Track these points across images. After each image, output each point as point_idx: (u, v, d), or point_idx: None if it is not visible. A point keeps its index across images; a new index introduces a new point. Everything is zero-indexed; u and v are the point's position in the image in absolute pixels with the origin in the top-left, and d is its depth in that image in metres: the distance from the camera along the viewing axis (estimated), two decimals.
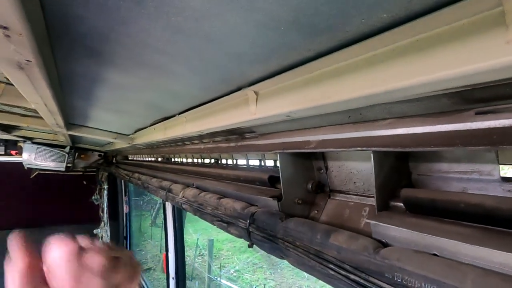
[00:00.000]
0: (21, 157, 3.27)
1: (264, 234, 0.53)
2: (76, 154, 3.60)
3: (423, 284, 0.28)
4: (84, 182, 3.63)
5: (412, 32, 0.29)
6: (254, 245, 0.57)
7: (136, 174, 1.73)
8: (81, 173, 3.63)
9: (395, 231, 0.35)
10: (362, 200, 0.53)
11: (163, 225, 1.98)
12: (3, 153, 3.38)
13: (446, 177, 0.40)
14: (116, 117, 1.29)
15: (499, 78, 0.24)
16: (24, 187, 3.47)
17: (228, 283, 7.01)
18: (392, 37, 0.31)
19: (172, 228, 1.83)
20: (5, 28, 0.30)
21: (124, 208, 3.38)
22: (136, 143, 1.65)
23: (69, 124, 1.39)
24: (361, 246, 0.36)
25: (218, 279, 7.15)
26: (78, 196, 3.62)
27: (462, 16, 0.25)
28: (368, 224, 0.40)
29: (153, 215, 10.87)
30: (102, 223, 3.31)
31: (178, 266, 1.81)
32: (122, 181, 3.58)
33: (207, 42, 0.44)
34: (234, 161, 0.91)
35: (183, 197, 0.91)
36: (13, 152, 3.37)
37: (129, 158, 2.74)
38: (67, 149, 3.41)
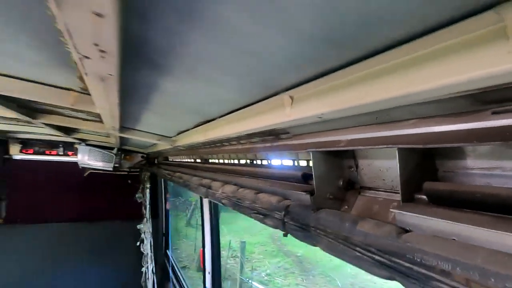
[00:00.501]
0: (76, 158, 3.65)
1: (297, 224, 0.59)
2: (122, 155, 3.93)
3: (438, 262, 0.32)
4: (129, 181, 3.95)
5: (429, 43, 0.33)
6: (288, 234, 0.63)
7: (178, 174, 1.88)
8: (126, 173, 3.96)
9: (417, 219, 0.39)
10: (390, 196, 0.56)
11: (201, 222, 2.10)
12: (62, 153, 3.82)
13: (470, 173, 0.43)
14: (162, 120, 1.43)
15: (503, 82, 0.28)
16: (78, 184, 3.86)
17: (260, 286, 7.04)
18: (412, 47, 0.35)
19: (209, 225, 1.94)
20: (102, 51, 0.40)
21: (166, 205, 3.62)
22: (177, 145, 1.79)
23: (122, 127, 1.57)
24: (386, 232, 0.40)
25: (250, 281, 7.22)
26: (123, 194, 3.94)
27: (470, 30, 0.29)
28: (394, 217, 0.44)
29: (188, 216, 11.30)
30: (145, 219, 3.57)
31: (214, 262, 1.92)
32: (162, 181, 3.83)
33: (250, 55, 0.51)
34: (269, 160, 0.98)
35: (222, 193, 1.00)
36: (70, 153, 3.78)
37: (169, 159, 2.94)
38: (114, 151, 3.74)
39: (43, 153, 3.71)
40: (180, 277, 3.03)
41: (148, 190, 3.66)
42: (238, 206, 0.87)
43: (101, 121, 1.63)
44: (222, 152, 1.27)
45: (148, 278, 3.25)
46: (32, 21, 0.51)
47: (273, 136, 0.84)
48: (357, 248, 0.42)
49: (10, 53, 0.70)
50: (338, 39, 0.40)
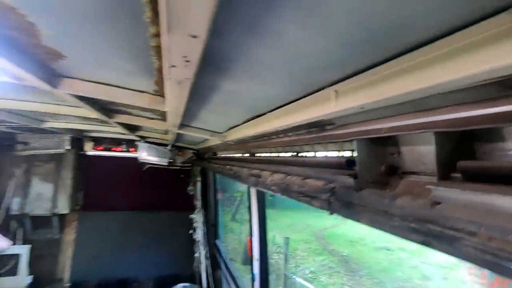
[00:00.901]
0: (137, 153, 4.08)
1: (342, 203, 0.66)
2: (176, 151, 4.30)
3: (466, 225, 0.38)
4: (182, 176, 4.31)
5: (457, 39, 0.39)
6: (334, 213, 0.71)
7: (228, 166, 2.04)
8: (179, 167, 4.33)
9: (449, 193, 0.45)
10: (430, 180, 0.61)
11: (248, 212, 2.25)
12: (125, 150, 4.32)
13: (507, 155, 0.47)
14: (215, 117, 1.59)
15: None
16: (138, 178, 4.31)
17: (304, 282, 7.06)
18: (443, 44, 0.41)
19: (256, 215, 2.07)
20: (187, 61, 0.53)
21: (217, 195, 3.88)
22: (227, 140, 1.94)
23: (181, 125, 1.77)
24: (421, 204, 0.46)
25: (294, 276, 7.28)
26: (177, 187, 4.32)
27: (491, 28, 0.35)
28: (430, 192, 0.50)
29: (233, 211, 11.70)
30: (197, 210, 3.87)
31: (261, 249, 2.05)
32: (211, 175, 4.10)
33: (298, 56, 0.61)
34: (315, 150, 1.06)
35: (271, 180, 1.10)
36: (131, 149, 4.26)
37: (218, 154, 3.15)
38: (169, 147, 4.11)
39: (110, 150, 4.23)
40: (229, 266, 3.24)
41: (199, 184, 3.95)
42: (287, 191, 0.96)
43: (163, 119, 1.86)
44: (269, 145, 1.37)
45: (201, 262, 3.53)
46: (130, 40, 0.67)
47: (318, 128, 0.92)
48: (395, 218, 0.49)
49: (104, 63, 0.89)
50: (377, 39, 0.48)
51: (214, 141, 2.30)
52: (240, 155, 2.16)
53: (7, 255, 3.59)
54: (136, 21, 0.55)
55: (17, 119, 2.19)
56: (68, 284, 3.75)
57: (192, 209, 4.11)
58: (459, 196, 0.43)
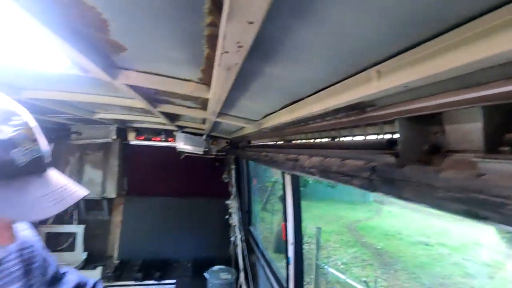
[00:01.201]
0: (175, 143, 4.32)
1: (383, 180, 0.69)
2: (210, 141, 4.47)
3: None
4: (216, 164, 4.49)
5: (502, 14, 0.40)
6: (374, 191, 0.74)
7: (263, 153, 2.11)
8: (213, 156, 4.51)
9: (496, 164, 0.46)
10: (476, 156, 0.61)
11: (282, 198, 2.31)
12: (164, 139, 4.59)
13: None
14: (253, 104, 1.65)
15: None
16: (176, 166, 4.56)
17: (336, 273, 7.04)
18: (487, 19, 0.42)
19: (291, 199, 2.13)
20: (240, 47, 0.59)
21: (253, 181, 4.00)
22: (263, 127, 2.00)
23: (219, 113, 1.86)
24: (466, 175, 0.48)
25: (326, 267, 7.28)
26: (212, 175, 4.52)
27: None
28: (476, 164, 0.51)
29: (264, 201, 11.86)
30: (232, 196, 4.03)
31: (296, 233, 2.10)
32: (244, 163, 4.22)
33: (342, 38, 0.64)
34: (354, 133, 1.07)
35: (309, 163, 1.14)
36: (170, 139, 4.51)
37: (252, 143, 3.23)
38: (204, 137, 4.29)
39: (150, 139, 4.52)
40: (263, 251, 3.35)
41: (233, 171, 4.10)
42: (325, 172, 1.00)
43: (203, 108, 1.96)
44: (306, 130, 1.41)
45: (238, 245, 3.69)
46: (185, 31, 0.74)
47: (357, 110, 0.94)
48: (439, 191, 0.51)
49: (158, 54, 0.98)
50: (423, 16, 0.49)
51: (249, 129, 2.37)
52: (275, 142, 2.21)
53: (66, 233, 4.05)
54: (193, 13, 0.61)
55: (75, 111, 2.44)
56: (117, 261, 4.14)
57: (226, 195, 4.29)
58: (506, 167, 0.44)
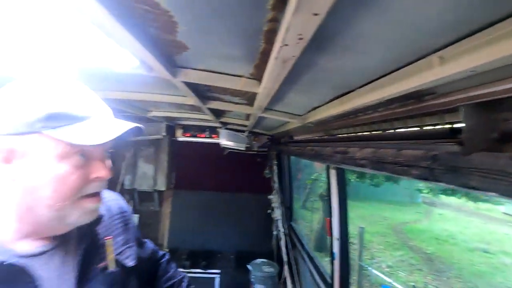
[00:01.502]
0: (218, 139, 4.49)
1: (446, 168, 0.67)
2: (252, 137, 4.58)
3: None
4: (258, 159, 4.59)
5: None
6: (435, 180, 0.72)
7: (308, 147, 2.11)
8: (255, 152, 4.61)
9: None
10: None
11: (327, 192, 2.29)
12: (208, 136, 4.81)
13: None
14: (299, 98, 1.67)
15: None
16: (220, 161, 4.75)
17: (381, 275, 6.75)
18: None
19: (336, 194, 2.11)
20: (300, 39, 0.62)
21: (298, 175, 4.02)
22: (307, 122, 2.01)
23: (265, 108, 1.91)
24: None
25: (369, 268, 7.01)
26: (254, 170, 4.63)
27: None
28: None
29: (303, 199, 11.75)
30: (274, 191, 4.09)
31: (342, 228, 2.08)
32: (286, 159, 4.24)
33: (403, 25, 0.63)
34: (408, 125, 1.04)
35: (360, 155, 1.13)
36: (214, 135, 4.71)
37: (294, 138, 3.25)
38: (246, 133, 4.40)
39: (196, 136, 4.76)
40: (306, 246, 3.35)
41: (275, 167, 4.15)
42: (378, 163, 0.99)
43: (250, 104, 2.03)
44: (355, 123, 1.39)
45: (281, 238, 3.74)
46: (244, 28, 0.79)
47: (414, 99, 0.91)
48: None
49: (216, 52, 1.06)
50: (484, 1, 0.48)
51: (292, 124, 2.39)
52: (320, 136, 2.20)
53: None
54: (256, 10, 0.66)
55: (132, 109, 2.69)
56: (167, 249, 4.46)
57: (268, 191, 4.36)
58: None
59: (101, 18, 0.68)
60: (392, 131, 1.09)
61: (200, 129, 4.70)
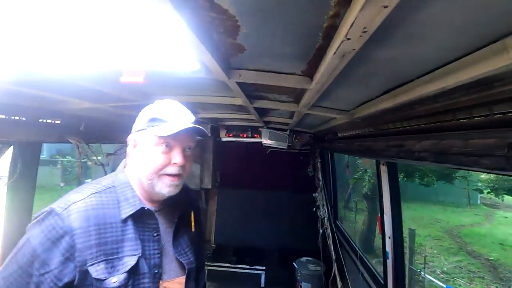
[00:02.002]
0: (260, 139, 4.58)
1: None
2: (293, 136, 4.58)
3: None
4: (301, 158, 4.58)
5: None
6: None
7: (356, 143, 2.08)
8: (297, 150, 4.61)
9: None
10: None
11: (378, 189, 2.22)
12: (250, 136, 4.93)
13: None
14: (346, 94, 1.65)
15: None
16: (262, 160, 4.84)
17: (436, 281, 6.28)
18: None
19: (388, 190, 2.04)
20: (364, 32, 0.64)
21: (347, 171, 3.95)
22: (355, 117, 1.98)
23: (312, 105, 1.93)
24: None
25: (422, 272, 6.56)
26: (297, 168, 4.63)
27: None
28: None
29: (346, 198, 11.37)
30: (319, 189, 4.06)
31: (395, 226, 2.01)
32: (329, 158, 4.17)
33: (473, 7, 0.61)
34: (473, 115, 0.99)
35: (419, 148, 1.10)
36: (256, 135, 4.82)
37: (339, 135, 3.19)
38: (287, 132, 4.42)
39: (239, 136, 4.91)
40: (354, 245, 3.27)
41: (319, 165, 4.11)
42: (442, 155, 0.95)
43: (295, 102, 2.06)
44: (411, 115, 1.34)
45: (329, 236, 3.71)
46: (303, 26, 0.83)
47: (481, 86, 0.87)
48: None
49: (270, 52, 1.11)
50: None
51: (338, 120, 2.36)
52: (368, 131, 2.15)
53: None
54: (318, 7, 0.69)
55: None
56: (214, 245, 4.67)
57: (312, 189, 4.33)
58: None
59: (176, 25, 0.77)
60: (455, 121, 1.04)
61: (243, 129, 4.83)
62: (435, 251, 9.58)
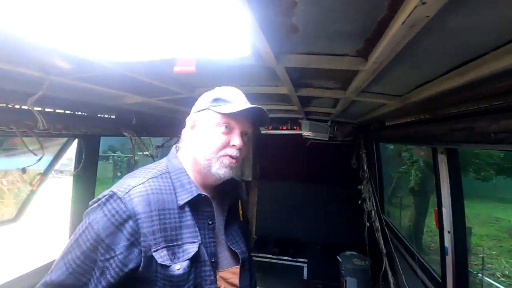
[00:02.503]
0: (300, 131, 4.50)
1: None
2: (335, 127, 4.43)
3: None
4: (343, 149, 4.42)
5: None
6: None
7: (410, 130, 1.93)
8: (339, 142, 4.45)
9: None
10: None
11: (435, 181, 2.06)
12: (289, 128, 4.88)
13: None
14: (402, 75, 1.53)
15: None
16: (303, 152, 4.77)
17: (497, 285, 5.72)
18: None
19: (447, 181, 1.87)
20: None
21: (398, 160, 3.75)
22: (409, 101, 1.84)
23: (361, 90, 1.83)
24: None
25: (479, 274, 6.02)
26: (339, 160, 4.48)
27: None
28: None
29: (389, 193, 10.80)
30: (364, 181, 3.90)
31: (455, 219, 1.84)
32: (374, 149, 3.97)
33: None
34: None
35: (496, 129, 0.98)
36: (295, 127, 4.75)
37: (387, 124, 3.01)
38: (328, 123, 4.29)
39: (278, 128, 4.88)
40: (402, 238, 3.09)
41: (364, 156, 3.94)
42: None
43: (342, 88, 1.98)
44: (482, 95, 1.20)
45: (377, 229, 3.56)
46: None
47: None
48: None
49: (325, 32, 1.06)
50: None
51: (388, 106, 2.22)
52: (423, 117, 1.99)
53: None
54: None
55: None
56: (256, 236, 4.74)
57: (355, 181, 4.17)
58: None
59: (235, 6, 0.76)
60: None
61: (282, 121, 4.79)
62: (494, 252, 8.75)
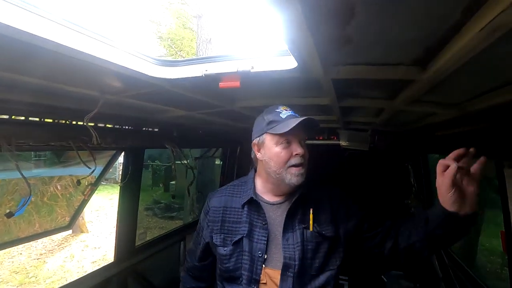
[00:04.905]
0: (338, 141, 4.34)
1: None
2: (376, 136, 4.20)
3: None
4: (385, 160, 4.16)
5: None
6: None
7: (471, 141, 1.74)
8: (380, 152, 4.19)
9: None
10: None
11: (500, 195, 1.83)
12: (326, 138, 4.72)
13: None
14: (464, 83, 1.38)
15: None
16: (340, 162, 4.59)
17: None
18: None
19: None
20: None
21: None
22: (467, 111, 1.67)
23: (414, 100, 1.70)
24: None
25: None
26: (381, 172, 4.22)
27: None
28: None
29: None
30: (412, 195, 3.62)
31: None
32: (421, 159, 3.69)
33: None
34: None
35: None
36: (333, 136, 4.59)
37: (437, 134, 2.78)
38: (369, 132, 4.07)
39: (314, 138, 4.76)
40: (457, 259, 2.79)
41: (410, 168, 3.68)
42: None
43: (390, 98, 1.85)
44: None
45: None
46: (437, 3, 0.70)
47: None
48: None
49: (374, 41, 0.99)
50: None
51: (440, 116, 2.05)
52: (485, 127, 1.79)
53: None
54: None
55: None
56: None
57: (399, 194, 3.88)
58: None
59: (294, 16, 0.73)
60: None
61: (319, 131, 4.66)
62: None
